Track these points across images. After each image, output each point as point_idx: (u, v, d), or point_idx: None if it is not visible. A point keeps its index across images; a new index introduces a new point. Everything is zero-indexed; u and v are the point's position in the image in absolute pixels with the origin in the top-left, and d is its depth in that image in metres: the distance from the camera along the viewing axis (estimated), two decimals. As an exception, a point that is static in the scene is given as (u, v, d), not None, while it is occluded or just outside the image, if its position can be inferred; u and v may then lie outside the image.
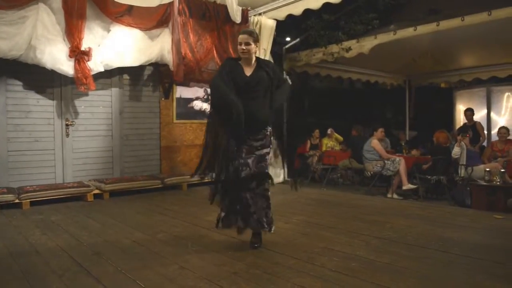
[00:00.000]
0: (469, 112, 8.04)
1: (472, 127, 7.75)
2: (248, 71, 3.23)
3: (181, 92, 7.11)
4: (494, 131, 8.40)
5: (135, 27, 6.01)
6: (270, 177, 3.27)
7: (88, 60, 5.52)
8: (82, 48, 5.47)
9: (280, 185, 7.07)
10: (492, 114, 9.51)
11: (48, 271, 2.83)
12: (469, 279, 2.61)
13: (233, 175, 3.16)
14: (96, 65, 5.63)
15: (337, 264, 2.90)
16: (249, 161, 3.17)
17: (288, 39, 9.30)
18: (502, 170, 5.56)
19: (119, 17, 5.83)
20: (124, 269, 2.83)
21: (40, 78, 5.63)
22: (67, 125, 5.93)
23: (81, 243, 3.51)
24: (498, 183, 5.36)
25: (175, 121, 7.03)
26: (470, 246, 3.32)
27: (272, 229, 3.28)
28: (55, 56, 5.31)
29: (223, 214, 3.26)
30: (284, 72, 8.04)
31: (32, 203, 5.12)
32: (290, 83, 3.52)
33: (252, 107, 3.14)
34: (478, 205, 5.34)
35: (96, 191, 5.68)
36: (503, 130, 7.10)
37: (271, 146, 3.28)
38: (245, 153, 3.18)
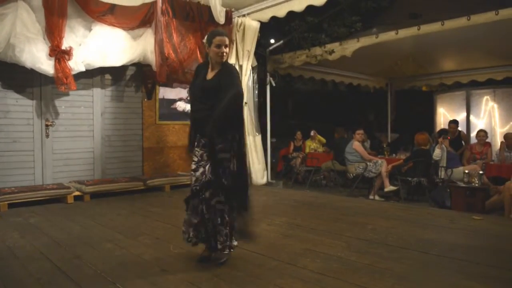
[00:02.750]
0: (453, 125, 7.77)
1: (456, 138, 7.71)
2: (210, 75, 2.99)
3: (164, 93, 7.06)
4: (473, 134, 8.56)
5: (118, 27, 5.95)
6: (225, 188, 2.87)
7: (69, 60, 5.44)
8: (63, 47, 5.39)
9: (263, 187, 7.08)
10: (472, 117, 9.69)
11: (25, 275, 2.77)
12: (447, 279, 2.66)
13: (193, 184, 2.95)
14: (77, 64, 5.55)
15: (318, 265, 2.92)
16: (207, 167, 2.91)
17: (272, 41, 9.33)
18: (481, 172, 5.67)
19: (101, 16, 5.76)
20: (104, 272, 2.79)
21: (19, 77, 5.52)
22: (47, 125, 5.82)
23: (61, 246, 3.45)
24: (476, 184, 5.46)
25: (158, 122, 6.98)
26: (449, 247, 3.38)
27: (226, 251, 2.93)
28: (35, 55, 5.22)
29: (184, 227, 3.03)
30: (268, 74, 8.07)
31: (10, 205, 5.00)
32: (240, 92, 2.92)
33: (209, 112, 2.85)
34: (458, 206, 5.43)
35: (77, 193, 5.58)
36: (482, 133, 7.26)
37: (232, 151, 2.89)
38: (206, 160, 2.93)
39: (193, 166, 3.00)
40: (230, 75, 2.94)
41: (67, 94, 5.94)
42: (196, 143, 3.04)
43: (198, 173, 2.95)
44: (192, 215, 2.98)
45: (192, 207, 2.98)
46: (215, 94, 2.87)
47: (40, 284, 2.60)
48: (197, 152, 3.01)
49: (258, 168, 7.25)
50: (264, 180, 7.39)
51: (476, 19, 5.56)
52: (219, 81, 2.90)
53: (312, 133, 9.29)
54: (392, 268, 2.86)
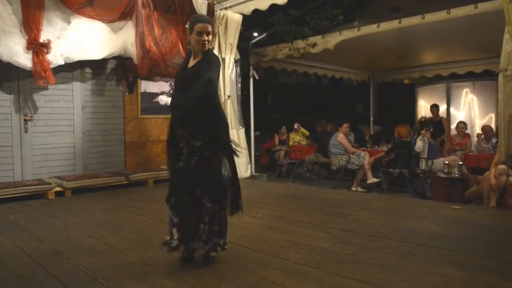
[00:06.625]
0: (434, 108, 8.27)
1: (438, 122, 7.97)
2: (192, 63, 2.81)
3: (146, 86, 6.98)
4: (453, 125, 8.71)
5: (97, 19, 5.85)
6: (218, 186, 2.74)
7: (47, 53, 5.33)
8: (41, 40, 5.27)
9: (247, 180, 7.08)
10: (452, 109, 9.86)
11: (5, 272, 2.72)
12: (427, 267, 2.71)
13: (175, 178, 2.80)
14: (55, 58, 5.44)
15: (301, 256, 2.94)
16: (192, 164, 2.70)
17: (255, 34, 9.30)
18: (460, 163, 5.79)
19: (80, 9, 5.66)
20: (86, 267, 2.76)
21: (-5, 72, 5.39)
22: (25, 120, 5.70)
23: (41, 243, 3.39)
24: (456, 175, 5.58)
25: (140, 116, 6.90)
26: (429, 236, 3.44)
27: (218, 250, 2.79)
28: (12, 48, 5.09)
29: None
30: (251, 67, 8.04)
31: (-12, 202, 4.91)
32: (211, 79, 2.64)
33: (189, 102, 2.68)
34: (438, 197, 5.55)
35: (58, 189, 5.49)
36: (461, 125, 7.41)
37: (216, 148, 2.74)
38: (186, 156, 2.72)
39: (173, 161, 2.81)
40: (209, 63, 2.74)
41: (46, 88, 5.81)
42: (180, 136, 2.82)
43: (179, 166, 2.76)
44: (173, 213, 2.77)
45: (172, 205, 2.77)
46: (193, 84, 2.67)
47: (20, 281, 2.56)
48: (179, 146, 2.81)
49: (241, 161, 7.24)
50: (248, 173, 7.40)
51: (456, 13, 5.64)
52: (198, 70, 2.71)
53: (295, 125, 9.33)
54: (374, 257, 2.90)
